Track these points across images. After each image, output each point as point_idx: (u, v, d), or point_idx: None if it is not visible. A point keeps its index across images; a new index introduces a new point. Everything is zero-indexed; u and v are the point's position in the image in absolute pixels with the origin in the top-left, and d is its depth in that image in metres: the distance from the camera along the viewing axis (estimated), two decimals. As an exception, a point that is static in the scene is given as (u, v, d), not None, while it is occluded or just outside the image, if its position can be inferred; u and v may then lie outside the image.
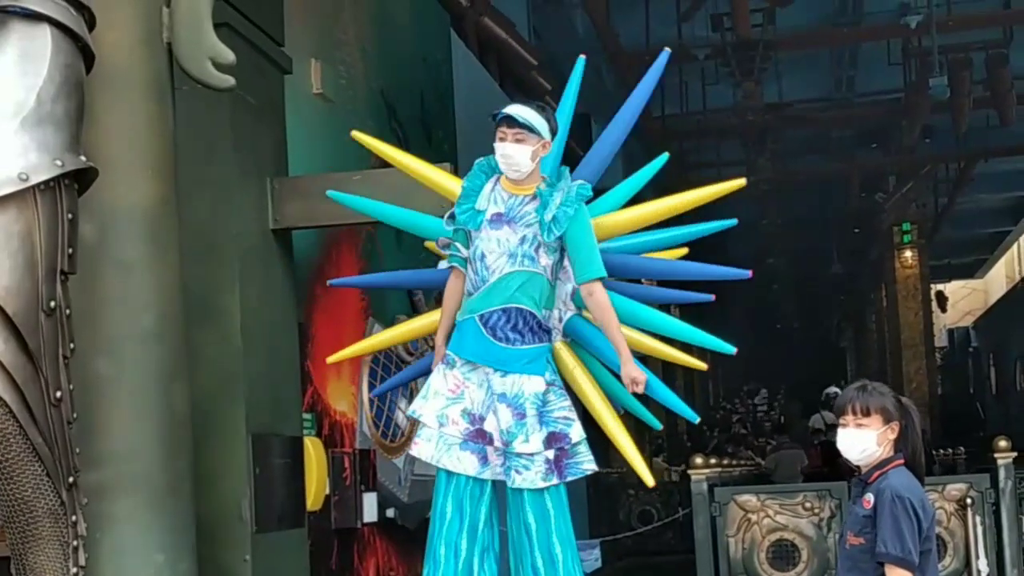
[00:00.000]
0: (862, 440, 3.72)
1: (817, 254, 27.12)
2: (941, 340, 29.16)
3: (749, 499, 8.24)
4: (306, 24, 6.46)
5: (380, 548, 7.18)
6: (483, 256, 4.17)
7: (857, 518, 3.72)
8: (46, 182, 3.57)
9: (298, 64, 5.83)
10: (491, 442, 4.15)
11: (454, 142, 9.29)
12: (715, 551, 8.19)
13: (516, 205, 4.18)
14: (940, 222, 23.61)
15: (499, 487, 4.23)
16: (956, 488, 7.91)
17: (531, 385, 4.11)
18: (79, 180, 3.76)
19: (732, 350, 4.47)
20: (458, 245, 4.27)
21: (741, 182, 4.56)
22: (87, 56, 3.84)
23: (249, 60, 5.02)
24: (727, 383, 34.16)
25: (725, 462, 12.50)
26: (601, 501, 16.06)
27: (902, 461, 3.73)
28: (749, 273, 4.53)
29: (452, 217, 4.27)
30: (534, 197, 4.17)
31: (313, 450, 5.99)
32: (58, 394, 3.61)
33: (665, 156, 4.78)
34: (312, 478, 5.85)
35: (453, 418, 4.17)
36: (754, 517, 8.19)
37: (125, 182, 4.23)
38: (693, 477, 8.43)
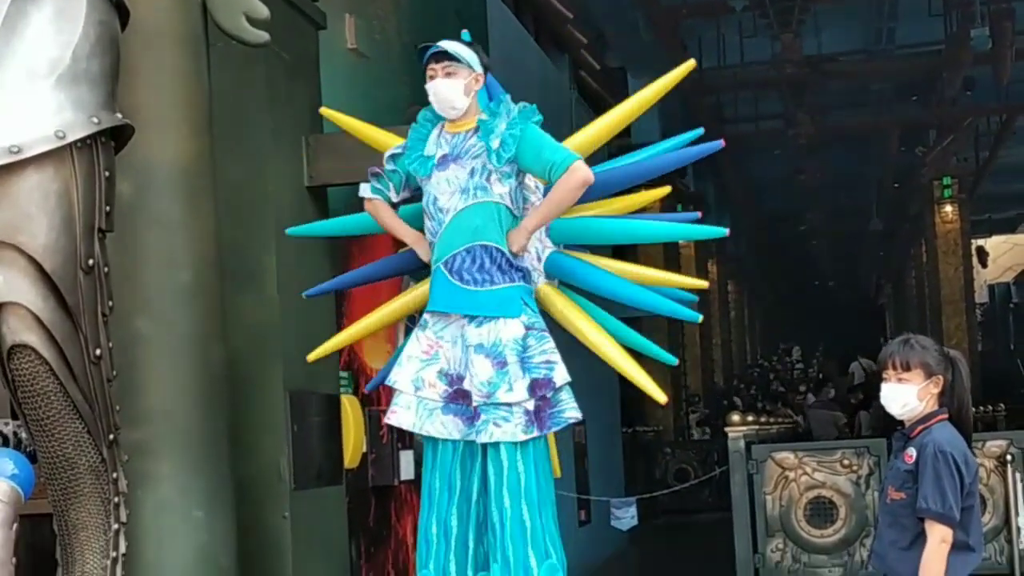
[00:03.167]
0: (903, 394, 3.69)
1: (856, 209, 26.91)
2: (982, 296, 28.87)
3: (787, 456, 8.21)
4: (340, -21, 6.41)
5: (417, 506, 7.21)
6: (435, 200, 3.98)
7: (899, 473, 3.69)
8: (83, 140, 3.57)
9: (332, 19, 5.79)
10: (471, 401, 3.91)
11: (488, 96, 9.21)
12: (752, 509, 8.17)
13: (460, 142, 4.01)
14: (981, 176, 23.32)
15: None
16: (996, 444, 7.86)
17: (508, 330, 3.87)
18: (116, 138, 3.76)
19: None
20: (390, 184, 4.12)
21: (690, 63, 4.19)
22: (122, 13, 3.82)
23: (283, 16, 4.99)
24: (764, 340, 34.06)
25: (763, 419, 12.44)
26: (637, 459, 16.10)
27: (946, 416, 3.70)
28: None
29: (392, 157, 4.11)
30: (476, 129, 3.99)
31: (350, 408, 6.00)
32: (97, 352, 3.62)
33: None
34: (349, 436, 5.87)
35: (430, 381, 3.95)
36: (791, 475, 8.16)
37: (161, 140, 4.23)
38: (730, 434, 8.41)
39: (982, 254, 27.81)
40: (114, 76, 3.73)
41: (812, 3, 14.47)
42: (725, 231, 4.31)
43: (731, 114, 19.91)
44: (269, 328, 4.93)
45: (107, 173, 3.67)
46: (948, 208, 22.68)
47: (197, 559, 4.24)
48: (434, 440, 4.00)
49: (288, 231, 4.67)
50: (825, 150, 20.87)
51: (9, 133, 3.45)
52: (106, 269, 3.70)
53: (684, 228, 4.47)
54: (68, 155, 3.54)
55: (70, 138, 3.53)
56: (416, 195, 4.18)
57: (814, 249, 31.37)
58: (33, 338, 3.50)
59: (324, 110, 4.66)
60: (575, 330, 4.17)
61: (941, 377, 3.70)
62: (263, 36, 4.39)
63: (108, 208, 3.68)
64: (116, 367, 3.75)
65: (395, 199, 4.16)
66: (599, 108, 14.60)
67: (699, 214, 4.72)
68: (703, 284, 4.43)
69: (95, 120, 3.59)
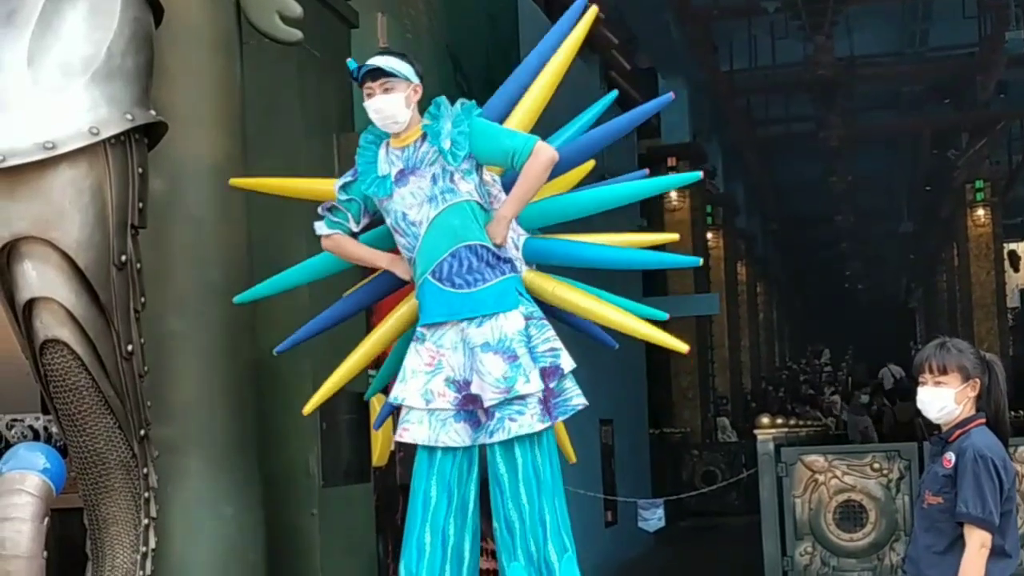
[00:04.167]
0: (940, 398, 3.66)
1: (887, 212, 26.78)
2: (1013, 300, 28.61)
3: (816, 459, 8.16)
4: (372, -22, 6.41)
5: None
6: (404, 215, 3.93)
7: (936, 477, 3.66)
8: (117, 136, 3.58)
9: (364, 18, 5.80)
10: (481, 404, 3.87)
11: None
12: (781, 511, 8.13)
13: (412, 154, 3.96)
14: (1014, 179, 23.16)
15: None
16: (1029, 451, 7.79)
17: (511, 323, 3.85)
18: (149, 134, 3.78)
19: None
20: (348, 215, 4.05)
21: (593, 11, 4.27)
22: (156, 10, 3.85)
23: (316, 14, 4.99)
24: (793, 342, 33.94)
25: (792, 422, 12.39)
26: (665, 461, 16.05)
27: (983, 420, 3.67)
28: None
29: (344, 187, 4.05)
30: (423, 137, 3.95)
31: (379, 407, 6.00)
32: (129, 348, 3.64)
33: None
34: (378, 435, 5.87)
35: (439, 391, 3.90)
36: (821, 478, 8.11)
37: (194, 137, 4.24)
38: (760, 437, 8.36)
39: (1014, 258, 27.58)
40: (148, 73, 3.75)
41: (845, 5, 14.38)
42: (699, 175, 4.37)
43: (762, 116, 19.83)
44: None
45: (140, 170, 3.69)
46: (980, 211, 22.53)
47: (226, 555, 4.25)
48: (431, 447, 3.95)
49: (236, 300, 4.26)
50: (856, 152, 20.76)
51: (44, 129, 3.47)
52: (138, 265, 3.71)
53: (656, 181, 4.41)
54: (102, 151, 3.56)
55: (104, 134, 3.54)
56: (375, 220, 4.11)
57: (844, 251, 31.21)
58: (66, 333, 3.52)
59: (234, 181, 4.30)
60: (572, 306, 4.12)
61: (978, 380, 3.67)
62: (296, 34, 4.40)
63: (141, 205, 3.70)
64: (147, 363, 3.77)
65: (356, 229, 4.10)
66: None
67: (647, 171, 4.78)
68: (674, 237, 4.54)
69: (129, 117, 3.61)
